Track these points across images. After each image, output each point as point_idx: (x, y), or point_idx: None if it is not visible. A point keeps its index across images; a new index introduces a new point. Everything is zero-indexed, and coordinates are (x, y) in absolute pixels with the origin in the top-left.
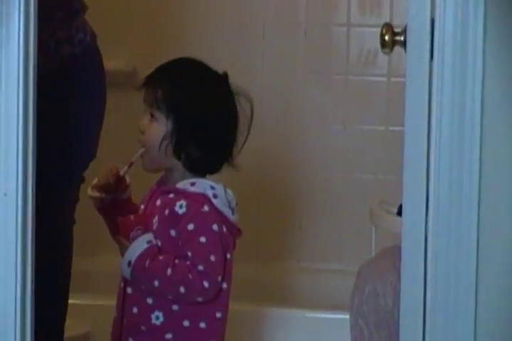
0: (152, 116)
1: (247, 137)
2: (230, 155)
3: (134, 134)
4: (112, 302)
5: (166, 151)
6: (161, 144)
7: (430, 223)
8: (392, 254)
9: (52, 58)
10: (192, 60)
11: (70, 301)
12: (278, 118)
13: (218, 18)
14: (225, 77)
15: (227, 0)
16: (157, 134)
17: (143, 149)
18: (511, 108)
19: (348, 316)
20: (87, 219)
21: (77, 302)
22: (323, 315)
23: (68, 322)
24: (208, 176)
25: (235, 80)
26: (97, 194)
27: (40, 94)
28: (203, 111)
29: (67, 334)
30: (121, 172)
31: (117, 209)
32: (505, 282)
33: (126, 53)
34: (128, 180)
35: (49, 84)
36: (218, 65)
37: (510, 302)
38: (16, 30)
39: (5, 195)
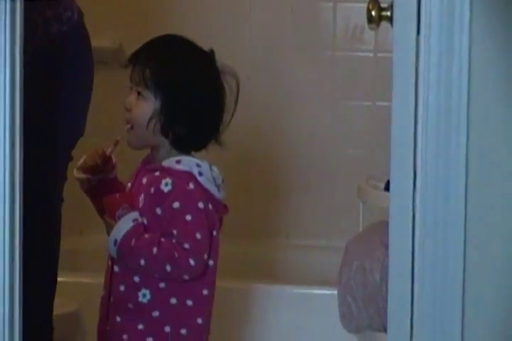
0: (139, 94)
1: (233, 115)
2: (216, 132)
3: (121, 112)
4: (100, 280)
5: (153, 129)
6: (149, 122)
7: (417, 198)
8: (380, 230)
9: (40, 36)
10: (178, 37)
11: (58, 279)
12: (265, 93)
13: None
14: (211, 54)
15: None
16: (145, 112)
17: (128, 127)
18: (499, 82)
19: (336, 292)
20: (74, 197)
21: (65, 280)
22: (312, 291)
23: (56, 301)
24: (194, 153)
25: (222, 57)
26: (83, 175)
27: (27, 72)
28: (191, 89)
29: (55, 312)
30: (108, 152)
31: (104, 189)
32: (492, 255)
33: (112, 31)
34: (114, 159)
35: (37, 61)
36: (205, 42)
37: (496, 269)
38: (3, 8)
39: None
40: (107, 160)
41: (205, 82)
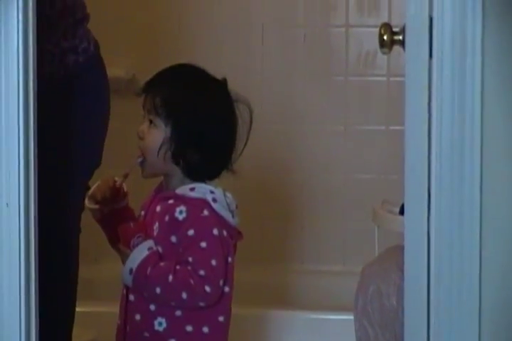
0: (151, 122)
1: (246, 143)
2: (229, 161)
3: (134, 141)
4: (116, 309)
5: (164, 157)
6: (159, 150)
7: (432, 222)
8: (395, 254)
9: (57, 67)
10: (191, 66)
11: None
12: (278, 120)
13: (217, 22)
14: (224, 82)
15: (225, 5)
16: (156, 140)
17: (140, 159)
18: (511, 106)
19: (352, 317)
20: (89, 226)
21: (82, 309)
22: (328, 317)
23: (74, 331)
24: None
25: (235, 84)
26: (94, 206)
27: (45, 104)
28: (202, 117)
29: None
30: (117, 183)
31: (116, 218)
32: (508, 280)
33: (126, 61)
34: (125, 188)
35: (54, 93)
36: (218, 70)
37: None
38: (15, 35)
39: (7, 205)
40: (117, 190)
41: (217, 109)
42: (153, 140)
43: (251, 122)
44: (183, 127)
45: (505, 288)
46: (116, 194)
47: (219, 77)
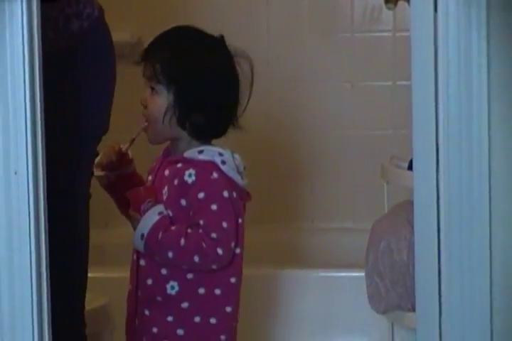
0: (153, 89)
1: (249, 97)
2: (234, 117)
3: (140, 106)
4: (127, 274)
5: (170, 123)
6: (164, 117)
7: (441, 176)
8: (405, 209)
9: (61, 34)
10: (186, 28)
11: None
12: (285, 79)
13: None
14: (221, 40)
15: None
16: (159, 107)
17: (144, 125)
18: None
19: (363, 274)
20: (99, 191)
21: (92, 275)
22: (339, 274)
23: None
24: (214, 142)
25: (241, 43)
26: (101, 173)
27: (50, 71)
28: (202, 78)
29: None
30: (124, 148)
31: (123, 184)
32: None
33: (131, 25)
34: (131, 154)
35: (59, 59)
36: (224, 30)
37: None
38: (19, 7)
39: (15, 173)
40: (122, 156)
41: (216, 68)
42: (157, 107)
43: (252, 75)
44: (186, 91)
45: None
46: (121, 160)
47: (225, 36)
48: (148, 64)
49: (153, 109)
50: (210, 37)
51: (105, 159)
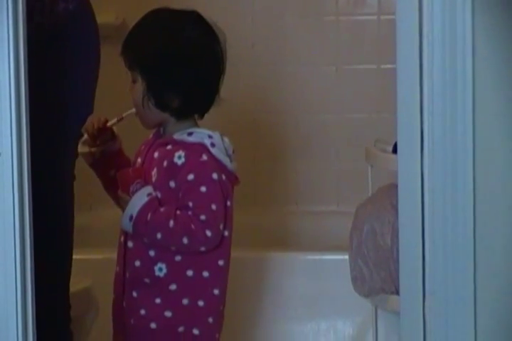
0: (132, 78)
1: (222, 72)
2: (213, 94)
3: (125, 88)
4: (112, 255)
5: (149, 107)
6: (143, 102)
7: (425, 159)
8: (389, 193)
9: (47, 15)
10: (155, 12)
11: None
12: (270, 61)
13: None
14: (193, 16)
15: None
16: (138, 93)
17: (132, 111)
18: (503, 39)
19: (347, 257)
20: (84, 173)
21: (77, 257)
22: (324, 257)
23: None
24: (203, 124)
25: (226, 25)
26: (85, 149)
27: (35, 52)
28: (167, 59)
29: None
30: (109, 123)
31: (109, 162)
32: (503, 216)
33: (115, 6)
34: (116, 131)
35: (44, 41)
36: (208, 12)
37: (508, 234)
38: None
39: (0, 154)
40: (107, 130)
41: (182, 48)
42: (136, 95)
43: (224, 50)
44: (152, 75)
45: (499, 220)
46: (105, 134)
47: (210, 19)
48: (124, 56)
49: (134, 96)
50: (180, 16)
51: (89, 129)
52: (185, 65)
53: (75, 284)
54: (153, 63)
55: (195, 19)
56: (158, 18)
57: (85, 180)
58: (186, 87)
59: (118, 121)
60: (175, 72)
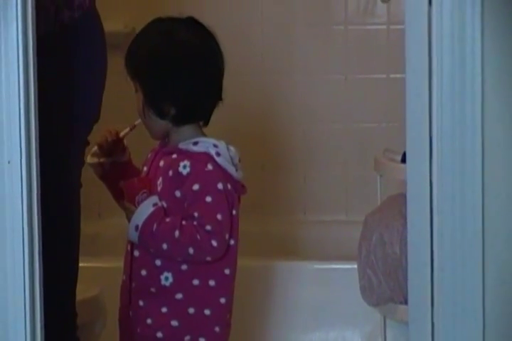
0: (135, 89)
1: (222, 72)
2: (214, 99)
3: (133, 96)
4: (120, 264)
5: (150, 117)
6: (144, 112)
7: (434, 169)
8: (398, 202)
9: (52, 23)
10: (153, 23)
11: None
12: (279, 71)
13: None
14: (188, 23)
15: None
16: (139, 104)
17: (138, 121)
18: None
19: (356, 266)
20: (93, 182)
21: (85, 265)
22: (332, 266)
23: (77, 286)
24: (209, 134)
25: (235, 35)
26: (95, 160)
27: (41, 59)
28: (158, 68)
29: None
30: (121, 134)
31: (118, 174)
32: (510, 221)
33: (124, 14)
34: (126, 142)
35: (50, 49)
36: (218, 22)
37: None
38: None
39: (9, 162)
40: (117, 142)
41: (174, 56)
42: (138, 105)
43: (220, 53)
44: (147, 86)
45: (509, 236)
46: (116, 146)
47: (219, 29)
48: (125, 66)
49: (137, 106)
50: (177, 25)
51: (100, 141)
52: (177, 74)
53: (83, 292)
54: (146, 71)
55: (192, 27)
56: (154, 29)
57: (94, 188)
58: (182, 95)
59: (131, 129)
60: (166, 80)
